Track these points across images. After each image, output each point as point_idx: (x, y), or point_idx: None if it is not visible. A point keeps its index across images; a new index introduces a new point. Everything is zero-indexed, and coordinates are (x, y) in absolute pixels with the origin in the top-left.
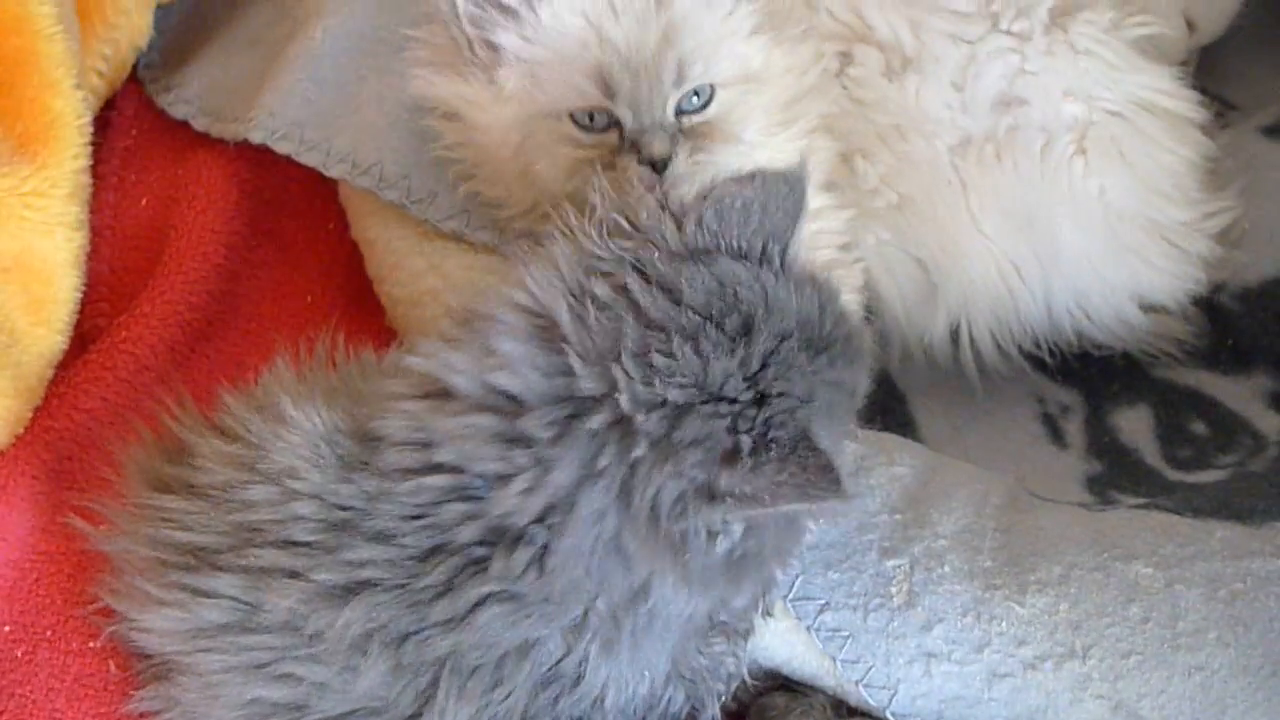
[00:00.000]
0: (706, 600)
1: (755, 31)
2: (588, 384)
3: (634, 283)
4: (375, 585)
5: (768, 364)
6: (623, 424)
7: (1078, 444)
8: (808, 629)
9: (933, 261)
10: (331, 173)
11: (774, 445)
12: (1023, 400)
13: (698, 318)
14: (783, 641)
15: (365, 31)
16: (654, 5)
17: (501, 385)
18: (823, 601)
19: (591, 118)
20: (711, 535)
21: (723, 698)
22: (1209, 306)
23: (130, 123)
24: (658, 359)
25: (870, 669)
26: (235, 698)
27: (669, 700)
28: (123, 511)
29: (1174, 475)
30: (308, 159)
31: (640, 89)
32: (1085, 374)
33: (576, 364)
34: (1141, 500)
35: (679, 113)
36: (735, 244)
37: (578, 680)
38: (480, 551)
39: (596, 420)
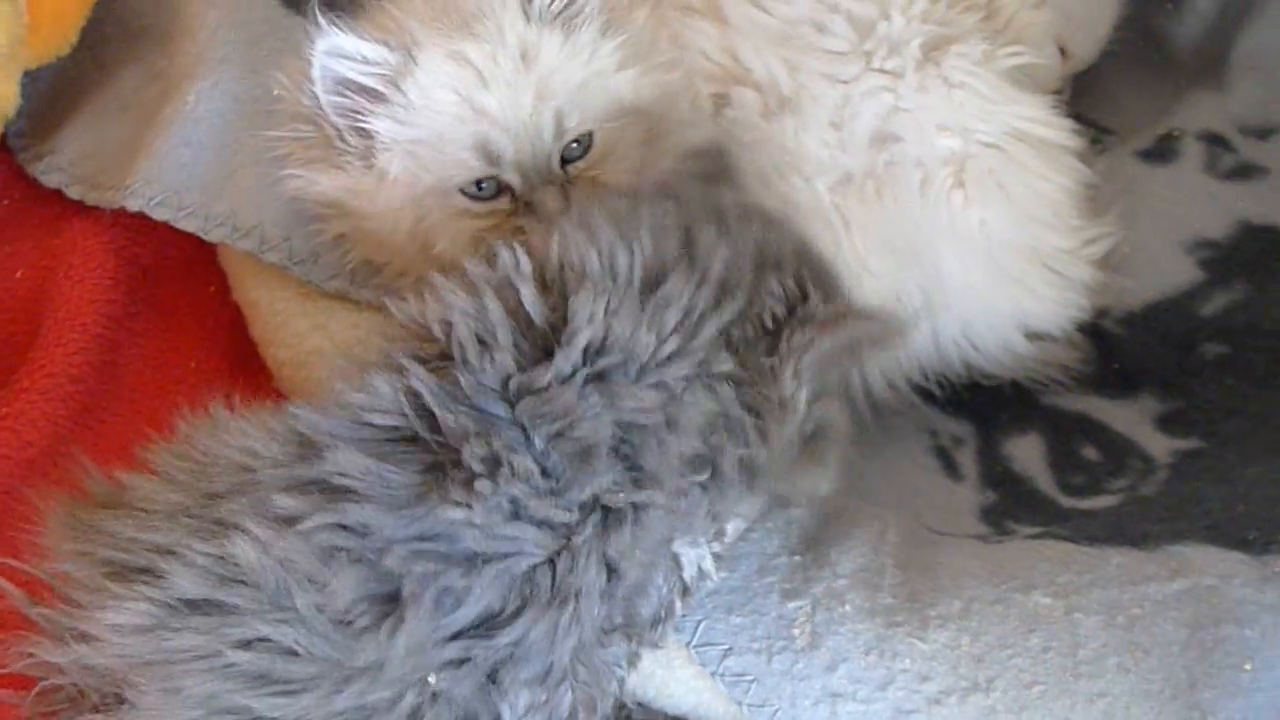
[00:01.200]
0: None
1: (622, 66)
2: None
3: None
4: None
5: None
6: None
7: (971, 475)
8: (713, 675)
9: None
10: (211, 237)
11: None
12: (915, 434)
13: None
14: (688, 689)
15: (239, 92)
16: (522, 66)
17: None
18: (726, 646)
19: (480, 186)
20: None
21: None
22: (1094, 331)
23: (1, 193)
24: None
25: (777, 712)
26: (199, 689)
27: (558, 700)
28: (66, 535)
29: (1068, 502)
30: (186, 224)
31: (523, 151)
32: (975, 404)
33: None
34: (1037, 529)
35: (564, 163)
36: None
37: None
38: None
39: None
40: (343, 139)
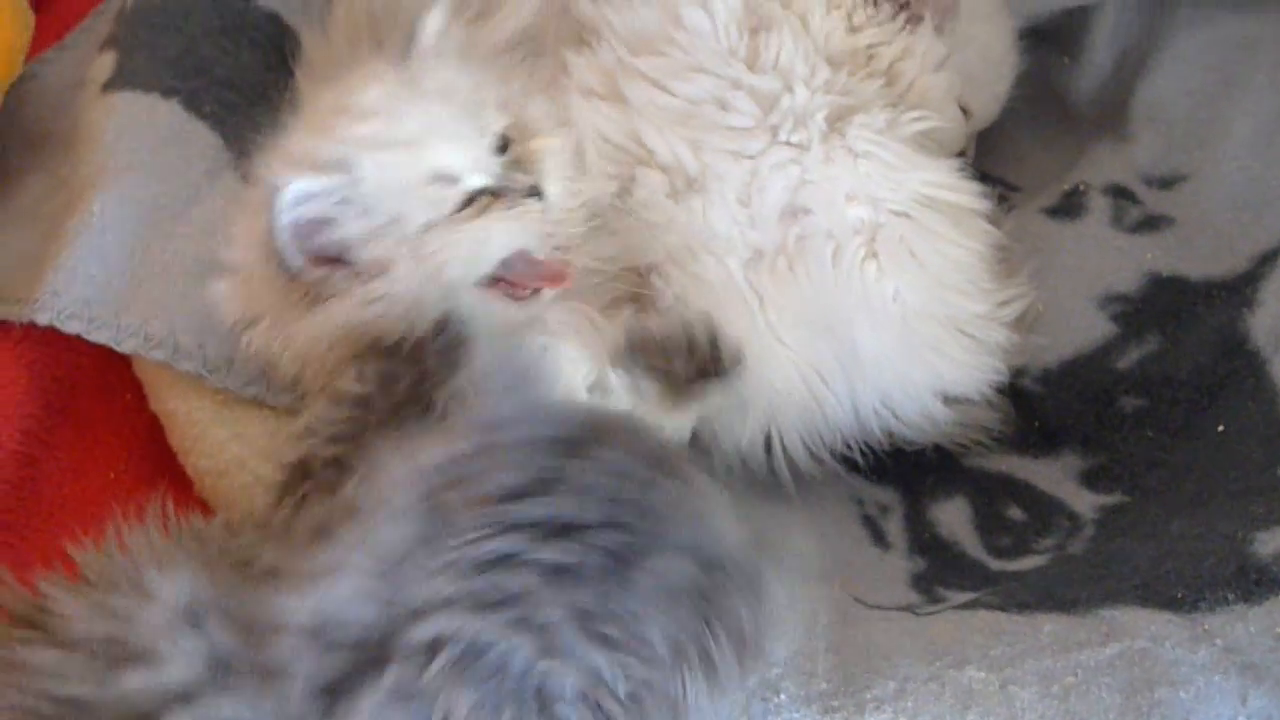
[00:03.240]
0: None
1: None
2: None
3: None
4: None
5: None
6: None
7: (900, 543)
8: None
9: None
10: (124, 348)
11: None
12: (842, 503)
13: None
14: None
15: (144, 200)
16: (412, 87)
17: None
18: None
19: (470, 201)
20: None
21: None
22: (1012, 391)
23: None
24: None
25: None
26: None
27: None
28: None
29: (996, 565)
30: (98, 336)
31: (469, 153)
32: (900, 471)
33: None
34: (968, 595)
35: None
36: None
37: None
38: None
39: None
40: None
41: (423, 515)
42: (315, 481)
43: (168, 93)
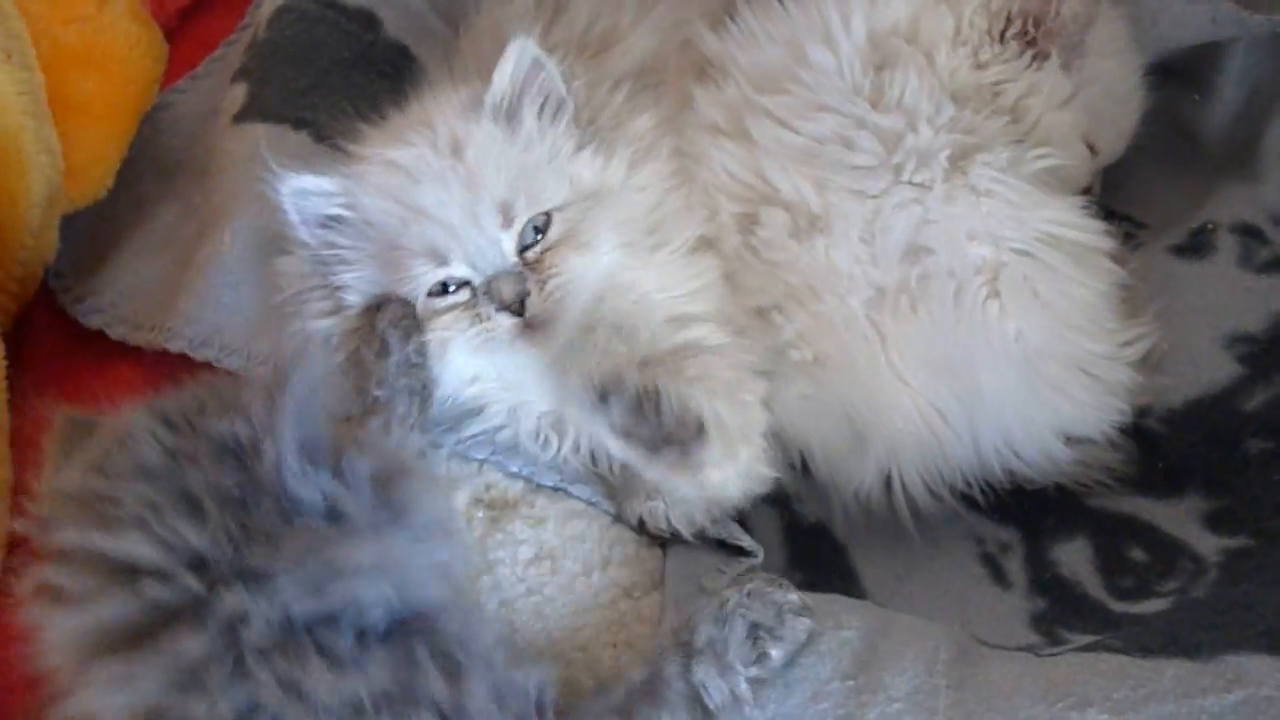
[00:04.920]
0: None
1: (581, 148)
2: None
3: None
4: None
5: None
6: None
7: (1020, 582)
8: None
9: (857, 413)
10: None
11: None
12: (962, 542)
13: None
14: None
15: (274, 229)
16: (452, 159)
17: None
18: None
19: (445, 288)
20: None
21: None
22: (1136, 431)
23: (43, 334)
24: None
25: None
26: None
27: None
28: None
29: (1118, 607)
30: (229, 363)
31: (470, 243)
32: (1020, 510)
33: None
34: (1089, 638)
35: (524, 249)
36: None
37: None
38: None
39: None
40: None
41: None
42: None
43: (298, 124)
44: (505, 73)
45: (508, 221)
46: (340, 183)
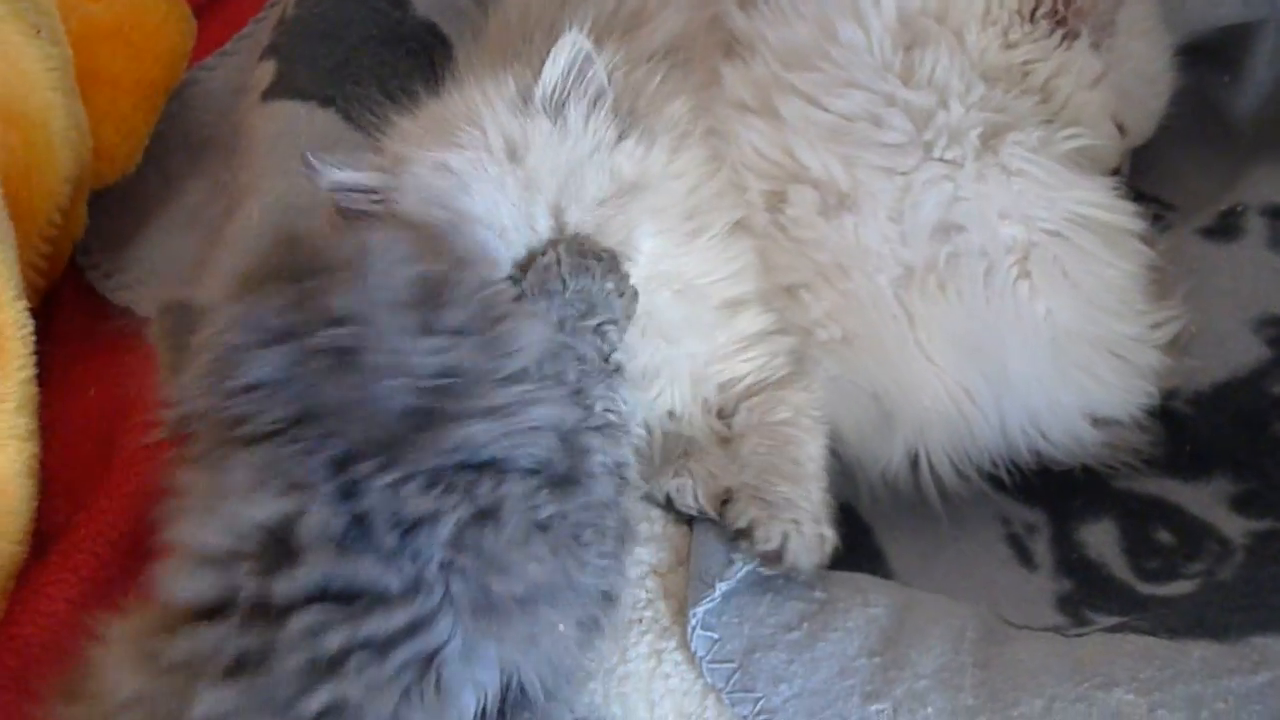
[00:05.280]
0: None
1: (622, 138)
2: None
3: None
4: None
5: None
6: None
7: (1046, 563)
8: None
9: (884, 393)
10: None
11: None
12: (988, 523)
13: None
14: None
15: (301, 205)
16: (508, 163)
17: None
18: None
19: None
20: None
21: None
22: (1164, 413)
23: (71, 310)
24: None
25: None
26: None
27: None
28: None
29: (1145, 589)
30: None
31: (519, 247)
32: (1047, 491)
33: None
34: (1115, 619)
35: None
36: None
37: None
38: None
39: None
40: None
41: None
42: None
43: (325, 102)
44: (558, 67)
45: (560, 229)
46: (381, 179)
